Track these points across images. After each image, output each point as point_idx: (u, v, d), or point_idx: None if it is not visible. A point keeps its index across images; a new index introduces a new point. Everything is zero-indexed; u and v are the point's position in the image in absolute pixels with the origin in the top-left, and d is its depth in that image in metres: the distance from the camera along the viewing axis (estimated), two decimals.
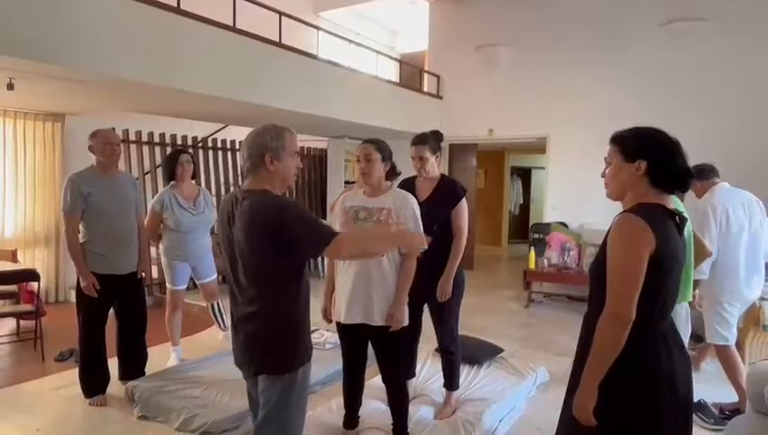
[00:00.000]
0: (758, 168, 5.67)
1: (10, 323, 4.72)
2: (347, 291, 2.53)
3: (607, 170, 1.68)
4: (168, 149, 6.29)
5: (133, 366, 3.46)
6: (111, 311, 3.37)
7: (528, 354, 4.23)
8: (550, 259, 6.03)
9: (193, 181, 4.03)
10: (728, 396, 3.41)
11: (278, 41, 5.10)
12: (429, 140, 2.96)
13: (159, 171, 6.13)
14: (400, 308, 2.51)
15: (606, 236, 1.59)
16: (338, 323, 2.63)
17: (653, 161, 1.57)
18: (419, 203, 2.70)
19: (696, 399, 3.14)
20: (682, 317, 2.19)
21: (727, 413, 3.10)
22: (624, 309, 1.46)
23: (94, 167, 3.27)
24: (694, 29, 5.95)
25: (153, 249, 5.96)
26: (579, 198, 6.31)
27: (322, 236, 1.79)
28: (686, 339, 2.20)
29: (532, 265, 6.08)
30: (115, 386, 3.36)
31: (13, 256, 5.25)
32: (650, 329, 1.53)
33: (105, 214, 3.20)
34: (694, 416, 3.09)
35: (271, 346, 1.88)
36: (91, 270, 3.17)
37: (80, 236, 3.20)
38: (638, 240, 1.48)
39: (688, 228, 2.18)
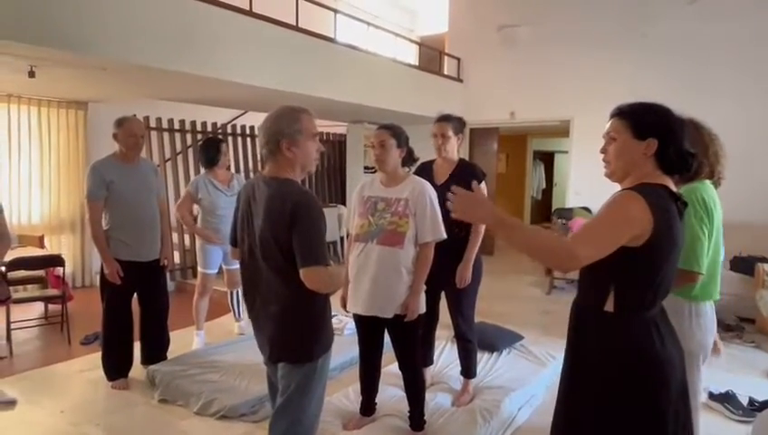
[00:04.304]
0: None
1: (38, 308, 4.84)
2: (358, 280, 2.52)
3: (609, 147, 1.55)
4: (189, 136, 6.34)
5: (155, 351, 3.50)
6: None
7: (549, 342, 4.16)
8: None
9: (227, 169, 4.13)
10: (758, 388, 3.30)
11: (295, 24, 5.05)
12: (453, 119, 2.95)
13: (180, 158, 6.20)
14: (416, 298, 2.47)
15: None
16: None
17: (664, 141, 1.46)
18: (437, 186, 2.64)
19: (724, 389, 3.08)
20: (708, 316, 2.06)
21: (756, 405, 3.00)
22: (582, 252, 1.36)
23: (116, 154, 3.28)
24: (724, 5, 5.68)
25: (176, 235, 6.10)
26: (603, 182, 6.07)
27: (310, 255, 1.74)
28: (711, 338, 2.08)
29: None
30: (138, 370, 3.42)
31: (40, 242, 5.37)
32: (642, 315, 1.46)
33: (127, 201, 3.22)
34: (721, 407, 3.03)
35: (292, 335, 1.86)
36: (114, 257, 3.20)
37: (103, 223, 3.23)
38: (630, 214, 1.38)
39: (719, 218, 2.04)
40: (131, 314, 3.35)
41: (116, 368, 3.32)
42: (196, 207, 4.10)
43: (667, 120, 1.49)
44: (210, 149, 4.02)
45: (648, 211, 1.38)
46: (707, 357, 2.09)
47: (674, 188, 1.49)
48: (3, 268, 3.87)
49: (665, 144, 1.46)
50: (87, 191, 3.19)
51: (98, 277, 3.37)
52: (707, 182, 2.03)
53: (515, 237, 1.40)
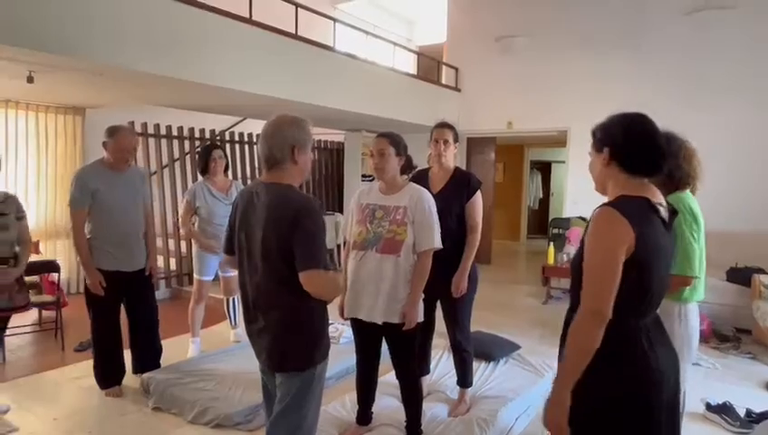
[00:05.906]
0: None
1: (32, 314, 4.79)
2: (356, 288, 2.51)
3: (589, 163, 1.62)
4: (186, 143, 6.33)
5: (147, 359, 3.44)
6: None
7: (546, 351, 4.15)
8: (569, 254, 5.91)
9: (225, 175, 4.11)
10: (756, 399, 3.30)
11: (294, 33, 5.07)
12: (453, 127, 3.00)
13: (177, 165, 6.20)
14: (414, 306, 2.46)
15: (585, 230, 1.52)
16: (351, 319, 2.60)
17: (616, 146, 1.50)
18: (432, 195, 2.64)
19: (722, 401, 3.07)
20: (694, 315, 2.16)
21: (754, 416, 2.99)
22: (601, 305, 1.39)
23: (103, 161, 3.20)
24: (720, 17, 5.75)
25: (172, 242, 6.08)
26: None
27: (311, 259, 1.76)
28: (696, 337, 2.16)
29: (550, 261, 5.98)
30: (132, 377, 3.39)
31: (35, 248, 5.33)
32: (634, 324, 1.47)
33: (112, 210, 3.15)
34: (719, 418, 3.02)
35: (293, 343, 1.86)
36: (98, 266, 3.12)
37: (86, 231, 3.14)
38: (614, 236, 1.40)
39: (703, 224, 2.14)
40: (119, 325, 3.29)
41: (108, 376, 3.28)
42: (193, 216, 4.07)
43: (615, 127, 1.52)
44: (201, 157, 4.03)
45: (628, 224, 1.39)
46: (693, 356, 2.18)
47: (658, 199, 1.50)
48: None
49: (618, 149, 1.50)
50: (70, 199, 3.11)
51: None
52: (688, 192, 2.17)
53: (576, 369, 1.43)
